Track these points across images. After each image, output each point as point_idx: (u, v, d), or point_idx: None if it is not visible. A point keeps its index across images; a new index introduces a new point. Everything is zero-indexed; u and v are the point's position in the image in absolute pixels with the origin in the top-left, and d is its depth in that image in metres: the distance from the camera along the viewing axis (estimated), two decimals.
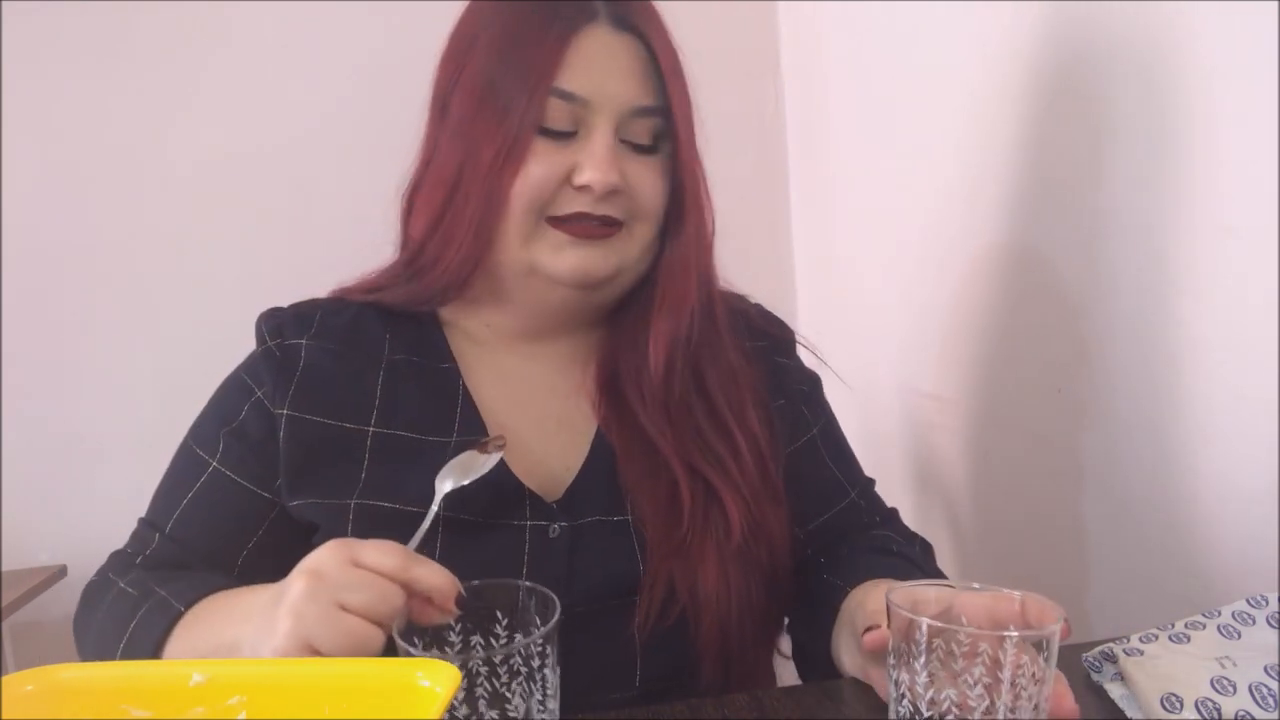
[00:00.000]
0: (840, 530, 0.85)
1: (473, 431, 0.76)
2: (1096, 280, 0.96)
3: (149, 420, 1.62)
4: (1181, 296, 0.85)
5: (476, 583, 0.59)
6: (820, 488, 0.86)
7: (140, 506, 0.80)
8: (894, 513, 0.90)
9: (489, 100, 0.72)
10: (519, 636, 0.58)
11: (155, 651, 0.67)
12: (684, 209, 0.77)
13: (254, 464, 0.76)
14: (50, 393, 1.69)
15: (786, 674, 0.87)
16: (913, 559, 0.79)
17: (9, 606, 1.46)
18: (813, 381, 0.91)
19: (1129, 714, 0.58)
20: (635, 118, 0.73)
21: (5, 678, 0.50)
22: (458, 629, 0.59)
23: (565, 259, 0.73)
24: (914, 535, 0.88)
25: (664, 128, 0.75)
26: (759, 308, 0.91)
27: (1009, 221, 1.11)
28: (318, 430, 0.75)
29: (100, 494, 1.66)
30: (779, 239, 1.85)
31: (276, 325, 0.80)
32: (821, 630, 0.74)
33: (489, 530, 0.73)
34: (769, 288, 0.95)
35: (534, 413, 0.80)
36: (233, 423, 0.78)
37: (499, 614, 0.59)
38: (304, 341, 0.79)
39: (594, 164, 0.71)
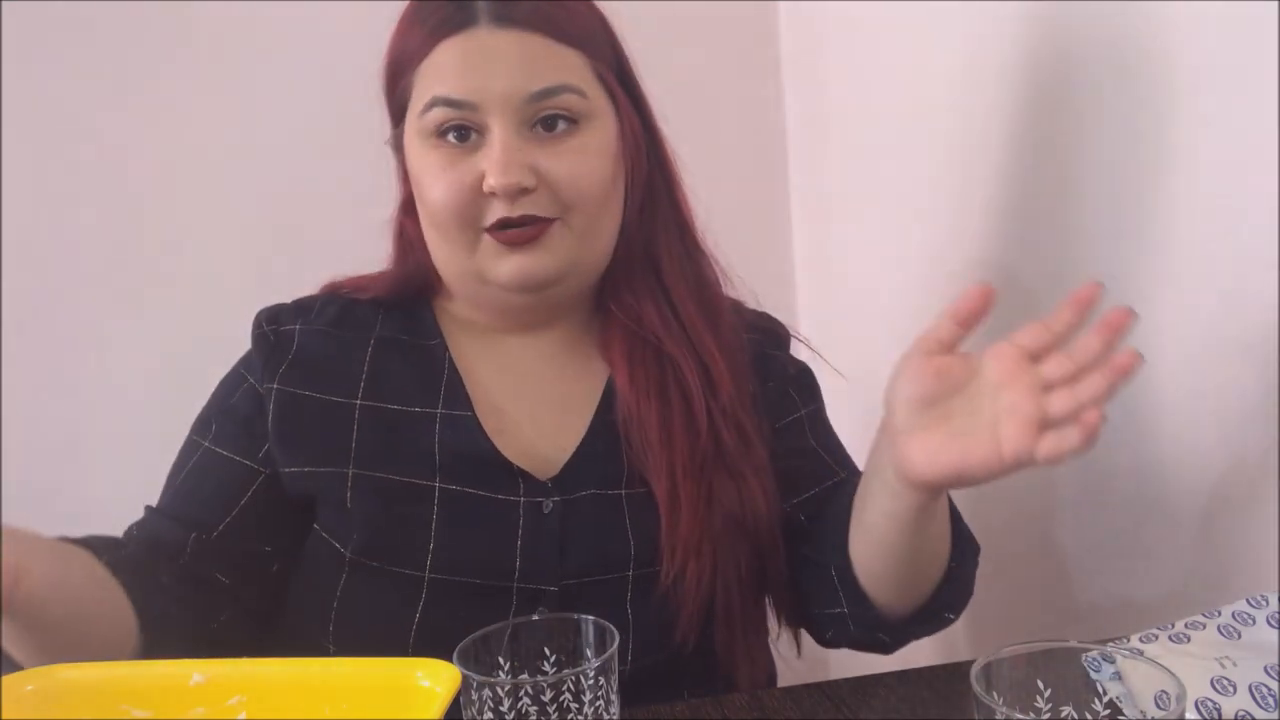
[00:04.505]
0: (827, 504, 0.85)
1: (457, 404, 0.78)
2: (1095, 279, 0.95)
3: (149, 421, 1.62)
4: (1182, 296, 0.85)
5: (535, 617, 0.57)
6: (807, 462, 0.85)
7: (138, 508, 0.81)
8: None
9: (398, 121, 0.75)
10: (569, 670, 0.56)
11: None
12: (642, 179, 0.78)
13: (241, 437, 0.78)
14: (50, 393, 1.69)
15: (787, 676, 0.87)
16: None
17: None
18: (803, 370, 0.91)
19: (1127, 713, 0.58)
20: (536, 102, 0.71)
21: (5, 678, 0.50)
22: (507, 668, 0.57)
23: (506, 265, 0.74)
24: None
25: (584, 103, 0.73)
26: (754, 311, 0.92)
27: (1006, 222, 1.11)
28: (306, 403, 0.77)
29: (100, 494, 1.66)
30: (779, 239, 1.84)
31: (274, 314, 0.82)
32: (838, 527, 0.75)
33: (485, 504, 0.74)
34: (769, 288, 0.95)
35: (530, 396, 0.81)
36: (225, 407, 0.81)
37: (547, 650, 0.57)
38: (298, 326, 0.81)
39: (493, 168, 0.70)
